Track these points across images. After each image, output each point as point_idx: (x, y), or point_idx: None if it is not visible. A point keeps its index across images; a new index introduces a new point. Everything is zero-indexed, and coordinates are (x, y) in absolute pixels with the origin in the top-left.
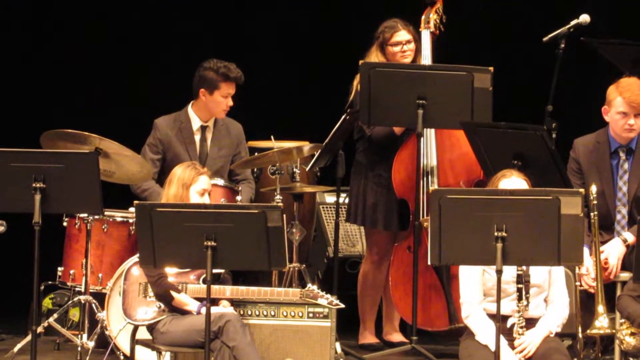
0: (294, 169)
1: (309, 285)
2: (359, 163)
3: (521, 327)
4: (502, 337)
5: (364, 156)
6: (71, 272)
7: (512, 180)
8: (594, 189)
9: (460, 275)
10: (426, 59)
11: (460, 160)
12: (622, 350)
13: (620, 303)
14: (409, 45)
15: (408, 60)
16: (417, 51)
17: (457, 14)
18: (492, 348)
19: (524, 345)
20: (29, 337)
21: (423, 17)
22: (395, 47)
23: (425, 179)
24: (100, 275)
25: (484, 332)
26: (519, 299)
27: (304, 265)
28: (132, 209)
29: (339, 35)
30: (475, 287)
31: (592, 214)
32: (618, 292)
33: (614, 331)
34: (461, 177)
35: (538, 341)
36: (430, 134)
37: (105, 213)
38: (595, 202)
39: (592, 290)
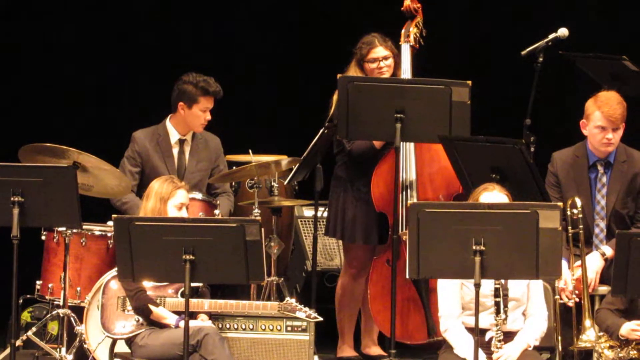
0: (272, 183)
1: (287, 298)
2: (338, 177)
3: (499, 341)
4: (480, 351)
5: (343, 170)
6: (50, 285)
7: (494, 194)
8: (578, 202)
9: (438, 289)
10: (406, 72)
11: (439, 174)
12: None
13: (599, 316)
14: (386, 61)
15: (386, 76)
16: (397, 65)
17: (436, 27)
18: None
19: (502, 359)
20: (7, 351)
21: (403, 30)
22: (372, 63)
23: (404, 192)
24: (78, 288)
25: (463, 345)
26: (497, 312)
27: (282, 279)
28: (110, 223)
29: (318, 48)
30: (454, 300)
31: (575, 227)
32: (596, 306)
33: (590, 346)
34: (440, 191)
35: (516, 355)
36: (409, 148)
37: (84, 227)
38: (580, 215)
39: (570, 304)
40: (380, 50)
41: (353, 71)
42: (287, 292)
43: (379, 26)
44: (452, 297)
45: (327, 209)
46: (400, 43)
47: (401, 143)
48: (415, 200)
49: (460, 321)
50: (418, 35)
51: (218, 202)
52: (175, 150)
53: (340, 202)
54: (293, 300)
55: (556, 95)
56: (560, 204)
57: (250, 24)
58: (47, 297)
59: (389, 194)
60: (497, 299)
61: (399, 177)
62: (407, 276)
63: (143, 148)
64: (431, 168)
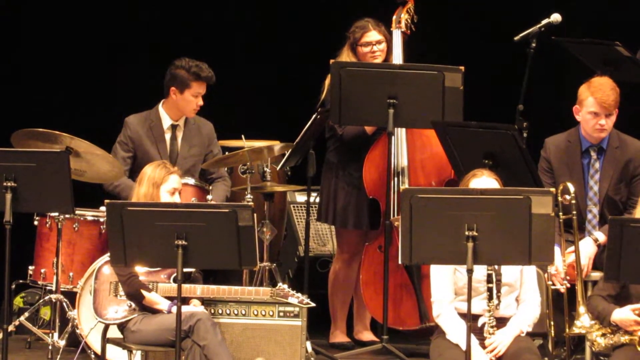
0: (265, 168)
1: (280, 284)
2: (330, 162)
3: (492, 327)
4: (472, 336)
5: (335, 155)
6: (42, 270)
7: (483, 180)
8: (571, 188)
9: (431, 274)
10: (397, 58)
11: (431, 159)
12: (593, 350)
13: (591, 303)
14: (379, 45)
15: (378, 60)
16: (389, 51)
17: (428, 13)
18: (463, 347)
19: (495, 345)
20: None
21: (394, 16)
22: (365, 47)
23: (396, 178)
24: (71, 274)
25: (455, 331)
26: (490, 298)
27: (275, 265)
28: (103, 208)
29: (311, 33)
30: (447, 286)
31: (567, 213)
32: (589, 292)
33: (584, 332)
34: (432, 176)
35: (508, 340)
36: (401, 133)
37: (76, 212)
38: (574, 201)
39: (562, 290)
40: (373, 35)
41: (346, 55)
42: (280, 277)
43: (370, 12)
44: (445, 282)
45: (319, 195)
46: (391, 29)
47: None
48: (406, 186)
49: (453, 307)
50: (409, 21)
51: (211, 187)
52: (168, 136)
53: (331, 187)
54: (285, 286)
55: (549, 81)
56: (552, 189)
57: (244, 10)
58: (39, 283)
59: (381, 179)
60: (490, 285)
61: (391, 162)
62: (400, 262)
63: (135, 133)
64: (423, 154)
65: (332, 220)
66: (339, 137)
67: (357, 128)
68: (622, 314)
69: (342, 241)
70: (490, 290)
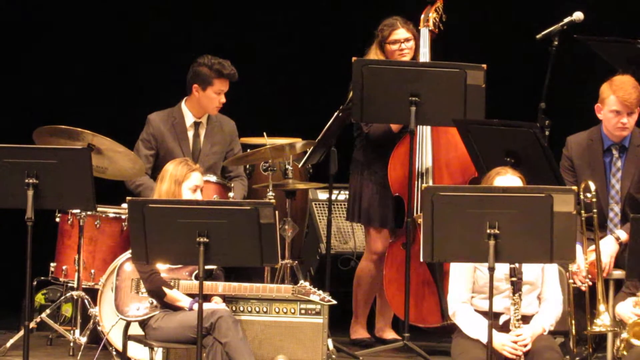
0: (287, 166)
1: (301, 281)
2: (357, 160)
3: (517, 320)
4: (494, 331)
5: (361, 154)
6: (64, 267)
7: (507, 178)
8: (591, 186)
9: (450, 272)
10: (424, 57)
11: (456, 158)
12: (614, 349)
13: (617, 300)
14: (408, 43)
15: (407, 58)
16: (416, 49)
17: (452, 11)
18: (483, 340)
19: (524, 337)
20: (21, 333)
21: (422, 15)
22: (393, 45)
23: (420, 178)
24: (92, 271)
25: (472, 326)
26: (514, 292)
27: (296, 262)
28: (124, 205)
29: (335, 31)
30: (462, 284)
31: (588, 211)
32: (611, 290)
33: (605, 330)
34: (457, 175)
35: (532, 337)
36: (426, 133)
37: (98, 209)
38: (594, 199)
39: (583, 288)
40: (402, 32)
41: (374, 53)
42: (301, 275)
43: (399, 10)
44: (463, 281)
45: (341, 192)
46: (419, 27)
47: (417, 128)
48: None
49: (469, 304)
50: (437, 20)
51: (232, 185)
52: (190, 133)
53: (357, 185)
54: (307, 283)
55: (571, 79)
56: (574, 187)
57: (267, 8)
58: (61, 279)
59: (406, 177)
60: (513, 279)
61: (414, 160)
62: (421, 259)
63: (158, 131)
64: (448, 153)
65: (358, 219)
66: (365, 135)
67: (383, 126)
68: (622, 308)
69: (370, 239)
70: (514, 284)
